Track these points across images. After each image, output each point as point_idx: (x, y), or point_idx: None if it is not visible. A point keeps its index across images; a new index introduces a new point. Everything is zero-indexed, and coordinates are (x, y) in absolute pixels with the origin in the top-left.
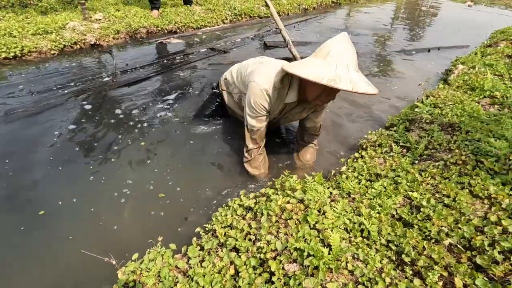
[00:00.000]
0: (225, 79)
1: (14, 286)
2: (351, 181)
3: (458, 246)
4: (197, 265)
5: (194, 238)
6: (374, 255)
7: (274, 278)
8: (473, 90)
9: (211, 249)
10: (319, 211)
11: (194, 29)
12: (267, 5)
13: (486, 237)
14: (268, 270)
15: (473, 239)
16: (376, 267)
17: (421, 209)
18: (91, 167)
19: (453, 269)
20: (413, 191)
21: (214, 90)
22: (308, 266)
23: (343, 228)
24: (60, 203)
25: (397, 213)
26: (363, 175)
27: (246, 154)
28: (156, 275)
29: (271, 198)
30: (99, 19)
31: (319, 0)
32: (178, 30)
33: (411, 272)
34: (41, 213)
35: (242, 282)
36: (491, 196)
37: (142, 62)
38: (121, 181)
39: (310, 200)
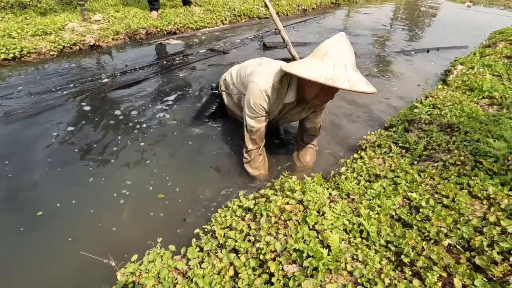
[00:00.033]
0: (225, 80)
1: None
2: (350, 182)
3: (457, 246)
4: (197, 266)
5: (194, 239)
6: (373, 256)
7: (273, 279)
8: (472, 91)
9: (211, 250)
10: (318, 212)
11: (193, 30)
12: (266, 6)
13: (485, 237)
14: (267, 271)
15: (472, 240)
16: (375, 268)
17: (420, 210)
18: (90, 168)
19: (452, 270)
20: (412, 192)
21: (213, 91)
22: (308, 267)
23: (342, 229)
24: (59, 204)
25: (396, 214)
26: (362, 176)
27: (245, 155)
28: (155, 277)
29: (270, 199)
30: (99, 20)
31: (318, 0)
32: (178, 31)
33: (410, 272)
34: (39, 214)
35: (242, 283)
36: (490, 197)
37: (142, 63)
38: (120, 182)
39: (309, 201)
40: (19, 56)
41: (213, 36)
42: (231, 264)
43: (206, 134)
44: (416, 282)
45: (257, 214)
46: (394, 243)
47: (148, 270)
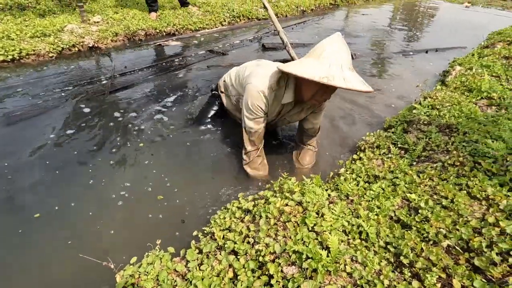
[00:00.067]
0: (224, 81)
1: None
2: (350, 183)
3: (456, 247)
4: (196, 269)
5: (193, 241)
6: (373, 257)
7: (272, 281)
8: (470, 91)
9: (210, 252)
10: (317, 214)
11: (192, 31)
12: (265, 7)
13: (484, 238)
14: (266, 273)
15: (471, 241)
16: (375, 269)
17: (419, 211)
18: (89, 170)
19: (451, 271)
20: (411, 193)
21: (213, 92)
22: (307, 268)
23: (341, 230)
24: (57, 206)
25: (395, 215)
26: (361, 177)
27: (244, 156)
28: (154, 279)
29: (269, 200)
30: (98, 22)
31: (317, 1)
32: (177, 32)
33: (409, 274)
34: (36, 215)
35: (241, 285)
36: (488, 198)
37: (141, 65)
38: (119, 183)
39: (309, 202)
40: (18, 58)
41: (212, 37)
42: (230, 266)
43: (205, 136)
44: (415, 283)
45: (256, 215)
46: (393, 244)
47: (147, 272)
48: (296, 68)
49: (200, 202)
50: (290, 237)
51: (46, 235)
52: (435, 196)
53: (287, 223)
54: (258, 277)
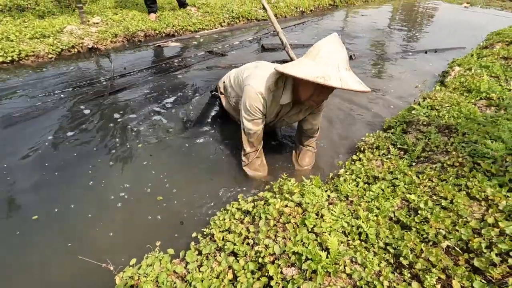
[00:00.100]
0: (224, 82)
1: None
2: (349, 184)
3: (456, 248)
4: (195, 270)
5: (192, 243)
6: (372, 258)
7: (272, 283)
8: (469, 92)
9: (209, 253)
10: (317, 215)
11: (191, 32)
12: (264, 8)
13: (484, 239)
14: (266, 274)
15: (471, 242)
16: (374, 270)
17: (419, 212)
18: (88, 171)
19: (451, 272)
20: (410, 194)
21: (213, 93)
22: (306, 270)
23: (341, 232)
24: (56, 208)
25: (394, 216)
26: (361, 178)
27: (243, 158)
28: (154, 281)
29: (269, 201)
30: (97, 23)
31: (316, 2)
32: (176, 33)
33: (409, 275)
34: (34, 218)
35: (241, 286)
36: (488, 198)
37: (140, 66)
38: (118, 185)
39: (308, 203)
40: (17, 59)
41: (212, 38)
42: (230, 267)
43: (204, 136)
44: (415, 284)
45: (255, 217)
46: (393, 245)
47: (147, 274)
48: (293, 68)
49: (199, 203)
50: (290, 238)
51: (46, 236)
52: (434, 197)
53: (286, 224)
54: (258, 279)
